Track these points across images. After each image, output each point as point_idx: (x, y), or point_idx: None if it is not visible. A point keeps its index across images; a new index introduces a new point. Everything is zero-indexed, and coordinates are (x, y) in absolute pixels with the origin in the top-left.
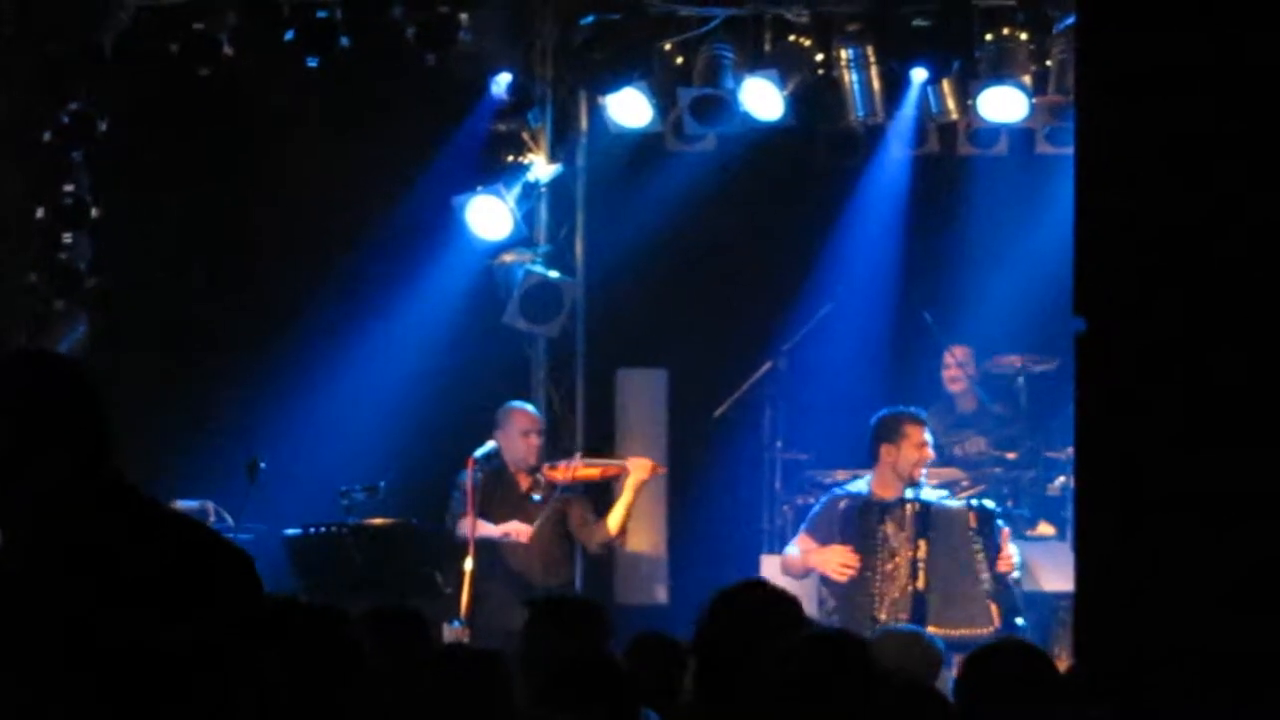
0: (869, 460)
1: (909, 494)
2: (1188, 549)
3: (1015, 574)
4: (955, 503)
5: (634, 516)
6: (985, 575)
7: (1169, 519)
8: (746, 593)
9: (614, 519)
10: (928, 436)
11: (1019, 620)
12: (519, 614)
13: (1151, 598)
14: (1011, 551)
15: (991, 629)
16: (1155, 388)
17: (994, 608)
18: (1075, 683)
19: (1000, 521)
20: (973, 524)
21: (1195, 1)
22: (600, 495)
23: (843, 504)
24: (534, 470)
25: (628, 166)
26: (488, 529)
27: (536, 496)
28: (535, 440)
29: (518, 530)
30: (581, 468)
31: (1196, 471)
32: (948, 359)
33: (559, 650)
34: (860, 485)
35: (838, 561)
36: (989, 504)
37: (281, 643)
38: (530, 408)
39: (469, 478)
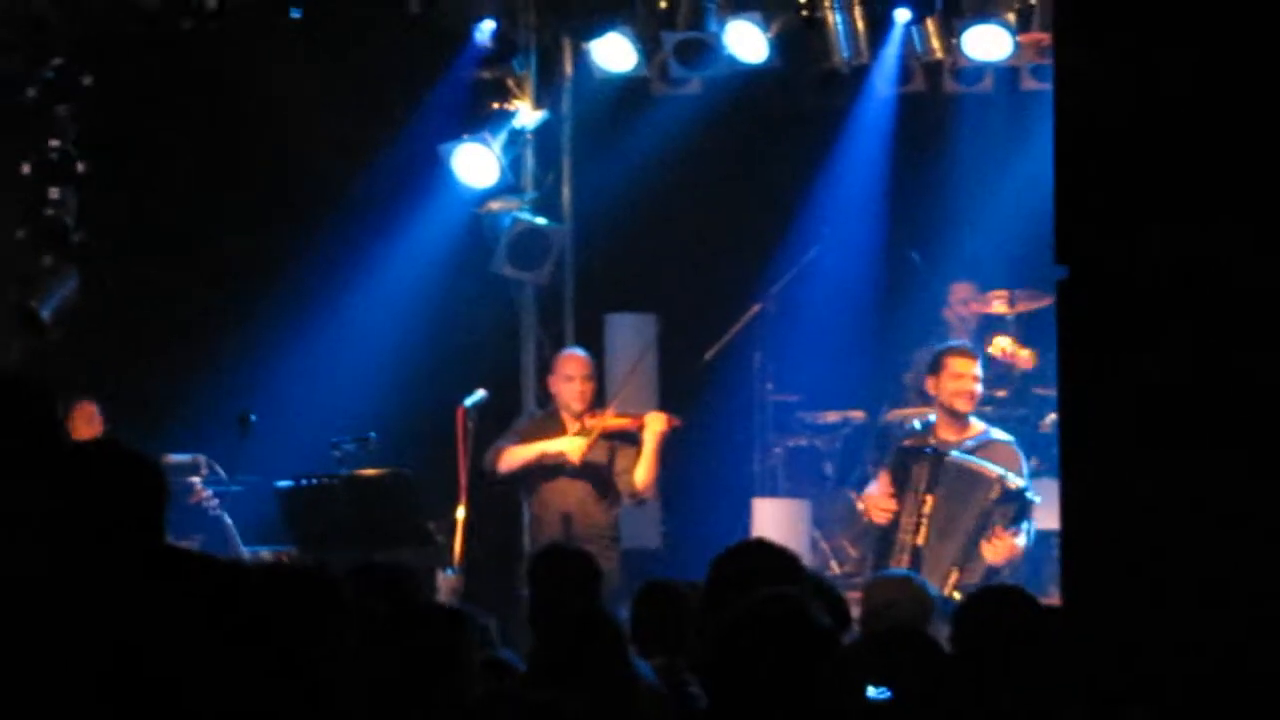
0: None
1: (965, 430)
2: (1173, 486)
3: (1000, 567)
4: (988, 467)
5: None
6: (967, 544)
7: (1153, 458)
8: (744, 553)
9: (640, 473)
10: (967, 369)
11: None
12: None
13: (1136, 534)
14: (1011, 545)
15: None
16: (1137, 334)
17: (952, 576)
18: (1061, 621)
19: (1025, 519)
20: (994, 495)
21: None
22: None
23: (906, 442)
24: (579, 415)
25: (613, 112)
26: (525, 454)
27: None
28: (579, 385)
29: (559, 450)
30: (612, 416)
31: (1180, 412)
32: (960, 293)
33: (552, 604)
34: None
35: (875, 504)
36: (1023, 486)
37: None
38: (579, 352)
39: (460, 425)
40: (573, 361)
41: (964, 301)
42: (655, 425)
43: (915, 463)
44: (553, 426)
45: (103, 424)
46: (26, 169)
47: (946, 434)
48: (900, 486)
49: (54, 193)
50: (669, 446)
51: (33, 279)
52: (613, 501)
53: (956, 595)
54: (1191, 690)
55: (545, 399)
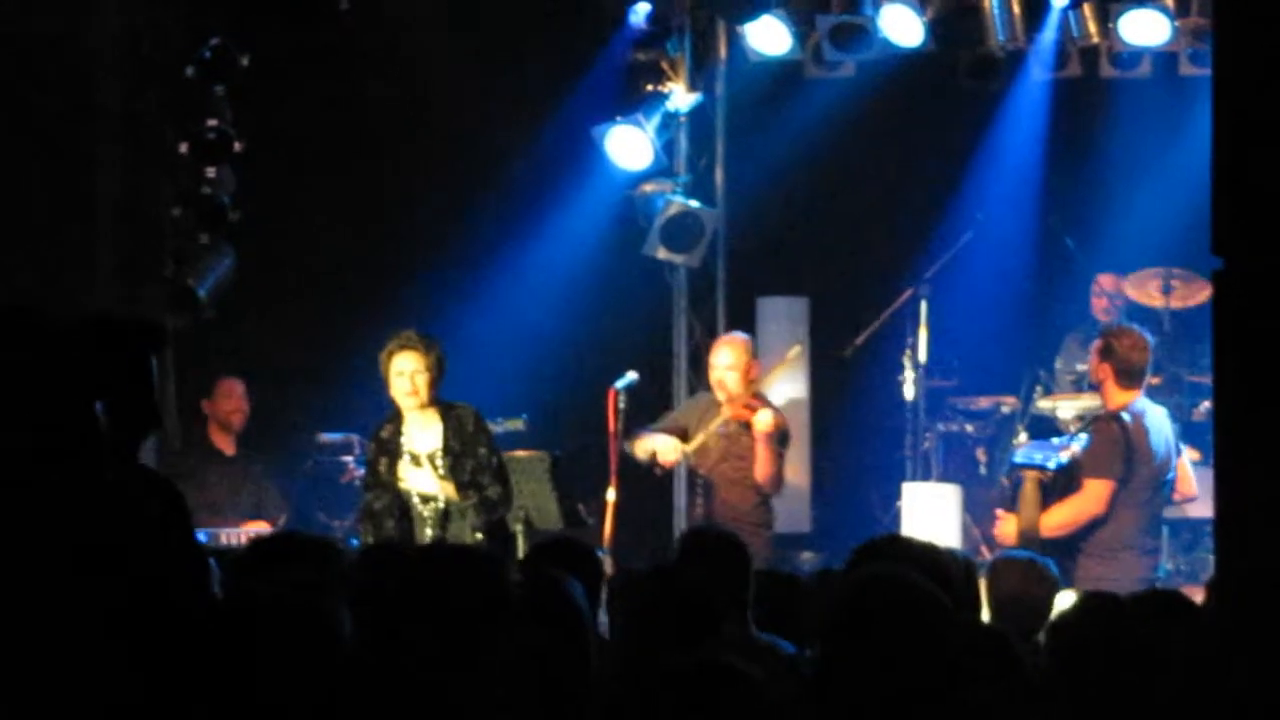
0: None
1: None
2: None
3: None
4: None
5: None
6: None
7: None
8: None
9: (757, 468)
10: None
11: None
12: None
13: None
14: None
15: None
16: None
17: None
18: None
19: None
20: None
21: None
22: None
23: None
24: (730, 401)
25: (767, 95)
26: (644, 447)
27: (722, 429)
28: (720, 374)
29: (663, 454)
30: (742, 406)
31: None
32: (1096, 289)
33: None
34: None
35: None
36: None
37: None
38: (726, 341)
39: (611, 406)
40: (716, 350)
41: (1110, 294)
42: (759, 426)
43: None
44: (713, 411)
45: (246, 402)
46: (184, 148)
47: None
48: None
49: (211, 172)
50: (819, 429)
51: (189, 257)
52: (751, 488)
53: None
54: None
55: (702, 384)
